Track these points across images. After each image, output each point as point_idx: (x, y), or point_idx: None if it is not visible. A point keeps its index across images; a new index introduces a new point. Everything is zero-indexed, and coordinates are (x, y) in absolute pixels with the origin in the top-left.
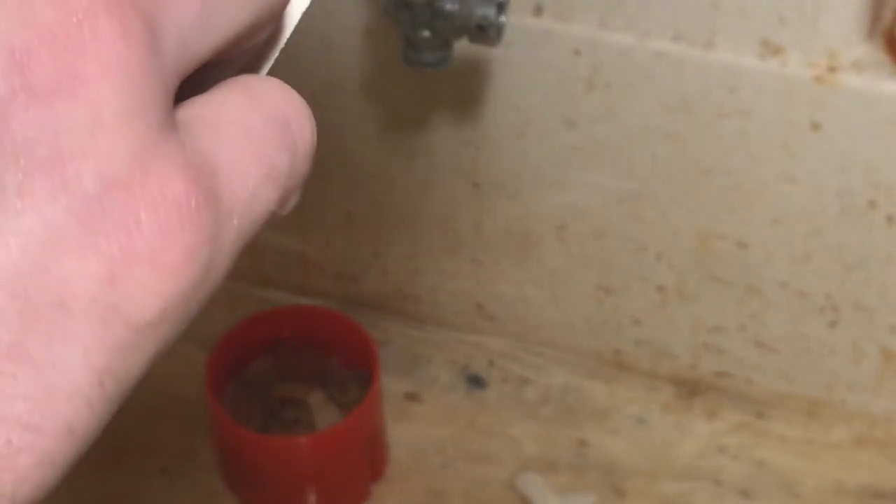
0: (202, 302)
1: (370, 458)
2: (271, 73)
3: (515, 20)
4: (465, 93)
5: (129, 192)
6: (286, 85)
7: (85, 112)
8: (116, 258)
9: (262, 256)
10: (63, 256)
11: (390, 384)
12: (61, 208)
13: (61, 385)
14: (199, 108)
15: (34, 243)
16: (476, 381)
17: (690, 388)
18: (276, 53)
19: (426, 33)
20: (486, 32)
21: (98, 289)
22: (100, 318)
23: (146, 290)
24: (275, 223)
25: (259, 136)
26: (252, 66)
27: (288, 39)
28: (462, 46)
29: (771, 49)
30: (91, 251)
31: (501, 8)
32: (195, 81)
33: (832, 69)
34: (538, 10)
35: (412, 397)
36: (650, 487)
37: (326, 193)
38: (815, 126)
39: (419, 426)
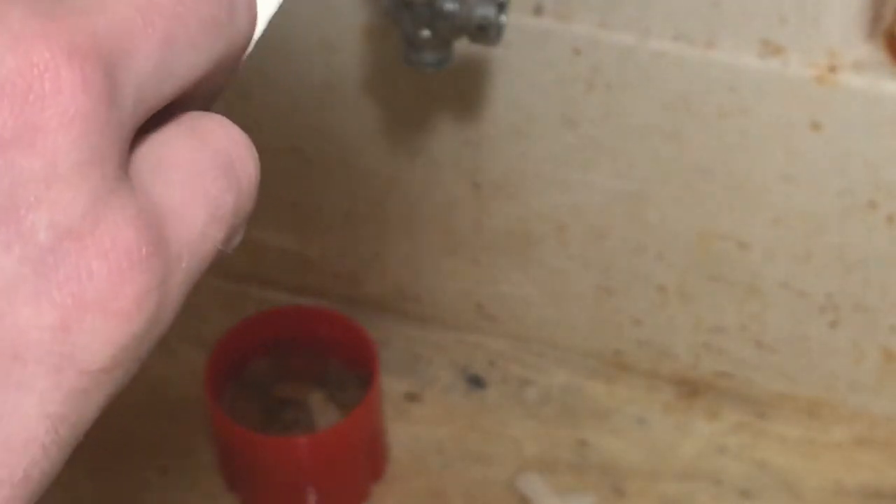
0: (153, 343)
1: (370, 458)
2: (272, 73)
3: (515, 20)
4: (465, 93)
5: (80, 242)
6: (230, 122)
7: (41, 163)
8: (69, 307)
9: (262, 256)
10: (18, 306)
11: (390, 384)
12: (15, 258)
13: (17, 434)
14: (150, 151)
15: None
16: (476, 381)
17: (691, 389)
18: (228, 84)
19: (426, 33)
20: (486, 32)
21: (52, 338)
22: (54, 366)
23: (99, 337)
24: (275, 226)
25: (206, 178)
26: (208, 99)
27: (287, 39)
28: (462, 46)
29: (771, 49)
30: (45, 300)
31: (501, 8)
32: (156, 118)
33: (833, 69)
34: (538, 10)
35: (412, 397)
36: (650, 487)
37: (326, 193)
38: (816, 126)
39: (419, 426)
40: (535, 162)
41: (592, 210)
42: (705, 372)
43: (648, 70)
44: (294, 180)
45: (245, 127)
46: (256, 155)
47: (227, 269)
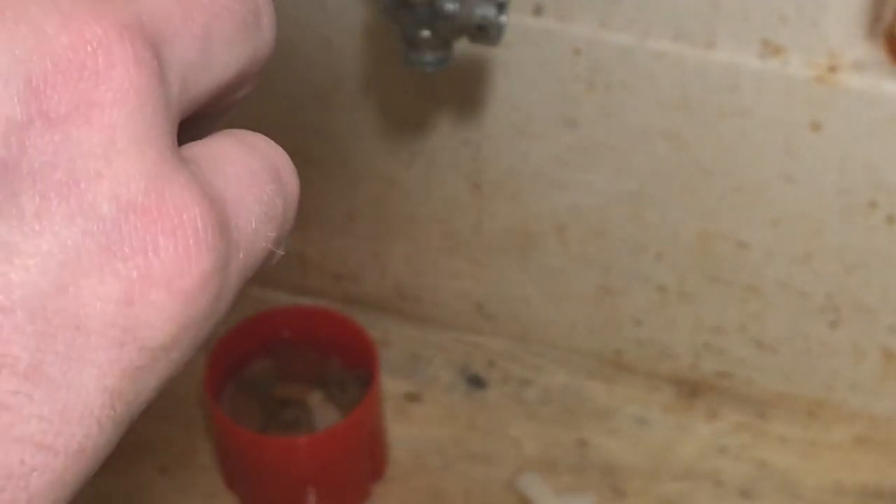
0: (209, 331)
1: (370, 458)
2: (272, 73)
3: (515, 20)
4: (465, 93)
5: (146, 216)
6: (271, 140)
7: (99, 137)
8: (134, 281)
9: None
10: (81, 278)
11: (390, 384)
12: (79, 231)
13: (75, 406)
14: (200, 149)
15: (53, 265)
16: (476, 381)
17: (691, 389)
18: (246, 97)
19: (426, 33)
20: (486, 32)
21: (115, 311)
22: (116, 339)
23: (162, 314)
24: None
25: (259, 179)
26: (228, 112)
27: (287, 39)
28: (462, 46)
29: (771, 49)
30: (109, 273)
31: (501, 8)
32: (184, 133)
33: (833, 69)
34: (538, 10)
35: (412, 397)
36: (650, 488)
37: (326, 193)
38: (816, 126)
39: (419, 426)
40: (535, 162)
41: (592, 210)
42: (705, 372)
43: (648, 70)
44: None
45: (245, 127)
46: (295, 170)
47: None
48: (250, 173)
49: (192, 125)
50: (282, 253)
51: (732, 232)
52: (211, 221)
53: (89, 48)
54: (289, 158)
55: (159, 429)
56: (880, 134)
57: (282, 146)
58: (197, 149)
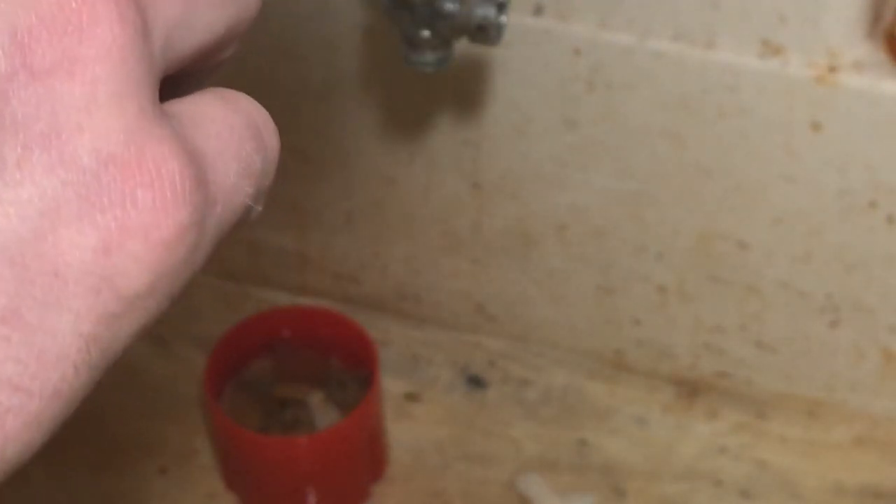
0: (185, 283)
1: (370, 458)
2: (272, 73)
3: (515, 20)
4: (465, 93)
5: (126, 168)
6: (253, 99)
7: (81, 91)
8: (112, 230)
9: (262, 256)
10: (60, 227)
11: (390, 384)
12: (59, 181)
13: (51, 350)
14: (182, 106)
15: (33, 213)
16: (476, 381)
17: (691, 389)
18: (229, 60)
19: (426, 33)
20: (486, 32)
21: (92, 259)
22: (92, 287)
23: (138, 263)
24: (275, 226)
25: (239, 135)
26: (211, 73)
27: (287, 39)
28: (462, 46)
29: (771, 49)
30: (87, 223)
31: (501, 8)
32: (168, 91)
33: (833, 69)
34: (538, 10)
35: (412, 397)
36: (650, 488)
37: (326, 193)
38: (816, 126)
39: (419, 426)
40: (535, 162)
41: (592, 210)
42: (705, 372)
43: (648, 70)
44: (294, 180)
45: None
46: (276, 129)
47: (227, 269)
48: (230, 130)
49: (176, 84)
50: (259, 209)
51: (732, 232)
52: (189, 175)
53: (74, 4)
54: (270, 117)
55: (159, 429)
56: (880, 134)
57: (282, 146)
58: (179, 105)
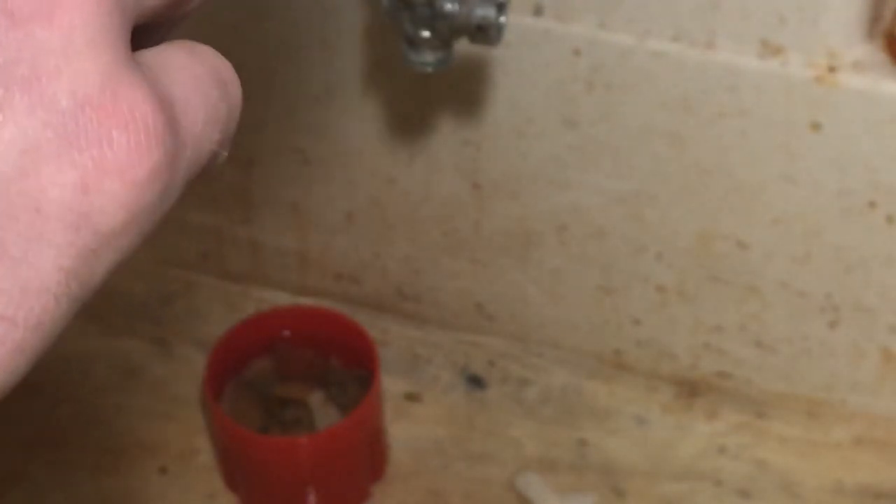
0: (156, 223)
1: (370, 458)
2: (272, 73)
3: (515, 20)
4: (465, 93)
5: (102, 111)
6: (218, 52)
7: (59, 36)
8: (89, 169)
9: (262, 256)
10: (41, 165)
11: (390, 384)
12: (39, 121)
13: (34, 281)
14: (152, 55)
15: (14, 152)
16: (476, 381)
17: (690, 389)
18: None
19: (426, 33)
20: (486, 33)
21: (72, 197)
22: (72, 223)
23: (114, 201)
24: (275, 226)
25: (205, 84)
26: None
27: (287, 39)
28: (462, 46)
29: (771, 49)
30: (66, 162)
31: (501, 8)
32: (138, 41)
33: (832, 69)
34: (538, 11)
35: (412, 397)
36: (650, 488)
37: (326, 193)
38: (815, 126)
39: (419, 426)
40: (535, 162)
41: (592, 210)
42: (705, 372)
43: (648, 70)
44: (294, 180)
45: (246, 127)
46: (239, 81)
47: (227, 270)
48: (197, 78)
49: (145, 34)
50: (225, 154)
51: (732, 232)
52: (161, 119)
53: None
54: (233, 70)
55: (159, 429)
56: (880, 134)
57: (282, 146)
58: (149, 55)
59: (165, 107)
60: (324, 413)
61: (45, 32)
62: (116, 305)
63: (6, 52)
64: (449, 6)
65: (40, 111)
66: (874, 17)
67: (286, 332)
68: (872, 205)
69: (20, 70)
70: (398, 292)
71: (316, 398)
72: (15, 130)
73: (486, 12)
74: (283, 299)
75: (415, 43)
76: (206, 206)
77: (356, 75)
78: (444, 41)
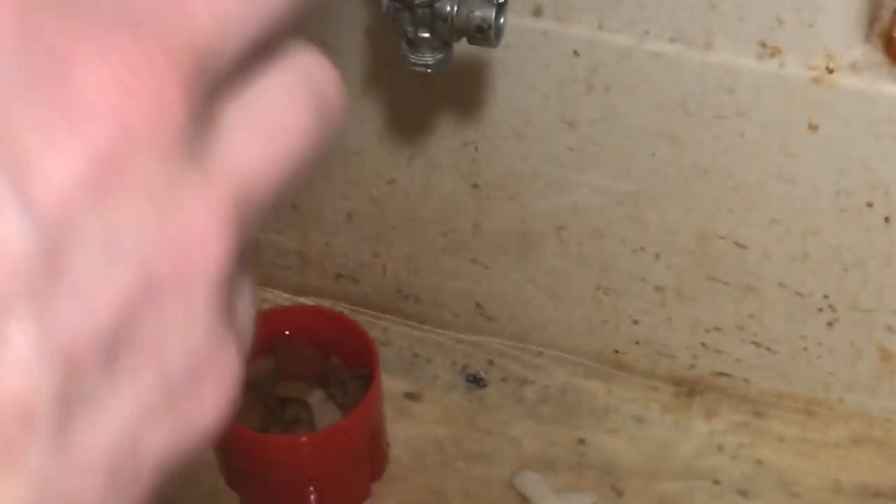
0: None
1: (370, 457)
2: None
3: (515, 21)
4: (465, 93)
5: (200, 373)
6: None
7: (182, 310)
8: (184, 432)
9: (262, 256)
10: (148, 428)
11: (390, 384)
12: (154, 387)
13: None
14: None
15: (129, 416)
16: (476, 381)
17: (689, 388)
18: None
19: (426, 34)
20: (485, 34)
21: (169, 455)
22: (161, 472)
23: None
24: (275, 226)
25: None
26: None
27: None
28: (462, 47)
29: (769, 50)
30: (167, 423)
31: (501, 9)
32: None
33: (830, 70)
34: (537, 12)
35: (412, 397)
36: (649, 487)
37: (326, 193)
38: (813, 127)
39: (419, 426)
40: (534, 163)
41: (591, 210)
42: (703, 371)
43: (647, 71)
44: None
45: None
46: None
47: None
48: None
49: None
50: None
51: (730, 232)
52: (239, 363)
53: (189, 228)
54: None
55: None
56: (878, 134)
57: None
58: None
59: (242, 352)
60: (324, 412)
61: (168, 309)
62: None
63: (146, 328)
64: (448, 7)
65: (153, 377)
66: (872, 19)
67: (286, 332)
68: (870, 205)
69: (147, 345)
70: (398, 292)
71: (316, 398)
72: (130, 394)
73: (485, 14)
74: (283, 299)
75: (415, 44)
76: None
77: (356, 76)
78: (443, 42)
